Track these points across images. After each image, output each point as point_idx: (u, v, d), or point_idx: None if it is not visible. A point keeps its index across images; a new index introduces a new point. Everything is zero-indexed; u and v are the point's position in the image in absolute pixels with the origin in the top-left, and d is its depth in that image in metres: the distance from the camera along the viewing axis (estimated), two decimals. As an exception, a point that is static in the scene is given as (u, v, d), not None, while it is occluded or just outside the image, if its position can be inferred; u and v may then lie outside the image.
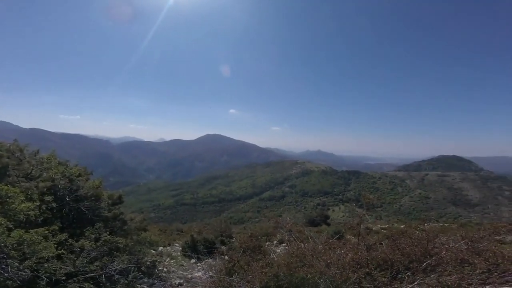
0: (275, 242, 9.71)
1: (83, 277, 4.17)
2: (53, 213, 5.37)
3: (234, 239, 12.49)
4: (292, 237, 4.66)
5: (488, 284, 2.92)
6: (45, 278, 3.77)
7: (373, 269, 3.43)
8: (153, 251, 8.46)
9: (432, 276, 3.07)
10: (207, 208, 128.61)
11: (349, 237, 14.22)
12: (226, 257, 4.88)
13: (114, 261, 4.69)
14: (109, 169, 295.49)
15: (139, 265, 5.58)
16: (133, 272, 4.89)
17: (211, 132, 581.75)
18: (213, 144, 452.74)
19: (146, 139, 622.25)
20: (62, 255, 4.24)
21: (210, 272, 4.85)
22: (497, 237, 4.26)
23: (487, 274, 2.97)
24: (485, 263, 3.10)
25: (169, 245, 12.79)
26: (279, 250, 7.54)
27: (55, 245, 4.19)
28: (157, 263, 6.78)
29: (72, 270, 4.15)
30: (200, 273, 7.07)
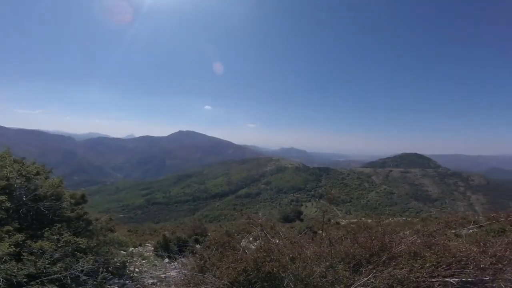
0: (250, 238, 9.80)
1: (46, 279, 4.07)
2: (9, 213, 5.12)
3: (208, 237, 12.39)
4: (264, 233, 4.76)
5: (434, 277, 3.06)
6: (1, 280, 3.69)
7: (337, 262, 3.56)
8: (123, 252, 8.33)
9: (387, 269, 3.20)
10: (180, 207, 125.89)
11: (319, 232, 14.70)
12: (198, 255, 4.92)
13: (78, 262, 4.56)
14: (72, 168, 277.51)
15: (107, 266, 5.44)
16: (102, 273, 4.77)
17: (184, 129, 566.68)
18: (186, 141, 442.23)
19: (113, 136, 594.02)
20: (22, 257, 4.14)
21: (183, 271, 4.78)
22: (453, 231, 4.43)
23: (433, 267, 3.12)
24: (435, 256, 3.26)
25: (140, 245, 12.55)
26: (253, 247, 7.62)
27: (13, 247, 4.07)
28: (127, 263, 6.62)
29: (34, 271, 4.06)
30: (175, 272, 6.95)
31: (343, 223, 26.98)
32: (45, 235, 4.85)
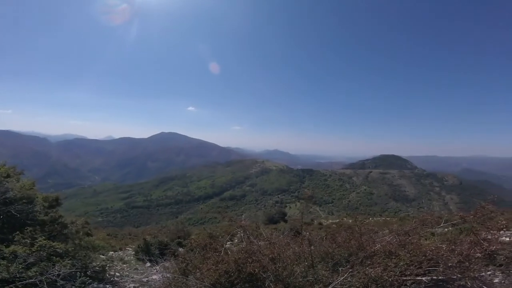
0: (236, 240, 9.81)
1: (21, 284, 3.96)
2: (-23, 217, 4.83)
3: (190, 240, 12.28)
4: (246, 234, 4.83)
5: (407, 276, 3.14)
6: None
7: (317, 262, 3.66)
8: (102, 256, 8.19)
9: (361, 268, 3.27)
10: (162, 211, 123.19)
11: (308, 232, 14.87)
12: (180, 258, 4.93)
13: (54, 267, 4.43)
14: (46, 170, 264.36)
15: (85, 270, 5.30)
16: (80, 277, 4.63)
17: (166, 130, 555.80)
18: (168, 143, 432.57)
19: (90, 137, 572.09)
20: None
21: (167, 274, 4.71)
22: (428, 230, 4.52)
23: (406, 266, 3.21)
24: (408, 255, 3.37)
25: (121, 249, 12.34)
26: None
27: None
28: (107, 267, 6.45)
29: (7, 276, 3.95)
30: (157, 276, 6.85)
31: (325, 223, 27.43)
32: (15, 239, 4.70)
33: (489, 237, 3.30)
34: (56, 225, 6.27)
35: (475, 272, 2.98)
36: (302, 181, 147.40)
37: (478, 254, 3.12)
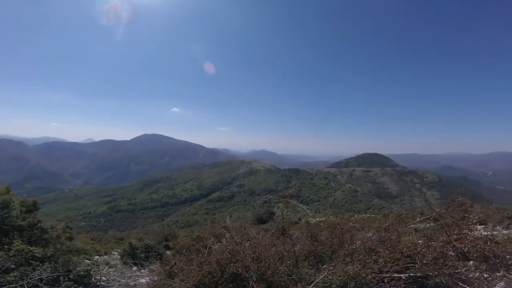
0: (224, 241, 9.91)
1: None
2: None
3: (173, 242, 12.32)
4: (231, 235, 4.87)
5: (384, 273, 3.17)
6: None
7: (302, 260, 3.71)
8: (87, 261, 8.09)
9: (343, 266, 3.31)
10: (148, 214, 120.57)
11: (292, 232, 15.02)
12: (164, 260, 4.97)
13: (35, 271, 4.37)
14: (24, 174, 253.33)
15: (68, 274, 5.16)
16: (64, 282, 4.55)
17: (149, 132, 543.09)
18: (152, 145, 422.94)
19: (70, 140, 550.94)
20: None
21: (155, 277, 4.65)
22: (411, 226, 4.61)
23: (384, 263, 3.26)
24: (387, 252, 3.42)
25: (106, 254, 12.29)
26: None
27: None
28: (92, 272, 6.32)
29: None
30: (144, 279, 6.76)
31: (313, 221, 27.81)
32: None
33: (460, 235, 3.35)
34: (35, 230, 6.13)
35: (450, 269, 3.02)
36: (289, 181, 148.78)
37: (451, 253, 3.16)
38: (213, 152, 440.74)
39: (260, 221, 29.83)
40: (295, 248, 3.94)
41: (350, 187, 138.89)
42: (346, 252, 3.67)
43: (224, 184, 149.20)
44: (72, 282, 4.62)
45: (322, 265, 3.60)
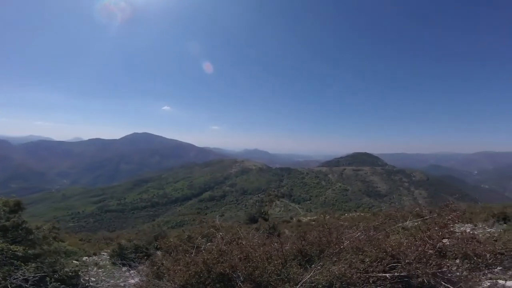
0: (223, 241, 10.06)
1: None
2: None
3: (159, 243, 12.44)
4: (219, 234, 4.89)
5: (370, 272, 3.16)
6: None
7: (291, 259, 3.75)
8: (75, 262, 7.99)
9: (329, 265, 3.34)
10: (138, 214, 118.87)
11: (283, 230, 15.26)
12: (151, 261, 4.98)
13: (18, 271, 4.33)
14: (8, 174, 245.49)
15: (53, 275, 5.16)
16: (51, 283, 4.51)
17: (139, 131, 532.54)
18: (141, 144, 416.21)
19: (56, 139, 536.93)
20: None
21: (142, 278, 4.74)
22: (399, 224, 4.62)
23: (369, 262, 3.29)
24: (374, 251, 3.43)
25: (95, 254, 12.24)
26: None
27: None
28: (80, 272, 6.31)
29: None
30: (134, 280, 6.84)
31: (304, 220, 28.18)
32: None
33: (441, 234, 3.33)
34: (20, 231, 6.10)
35: (433, 268, 3.02)
36: (281, 180, 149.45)
37: (430, 251, 3.17)
38: (204, 151, 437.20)
39: (253, 220, 30.01)
40: (284, 248, 3.97)
41: (340, 186, 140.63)
42: (334, 252, 3.68)
43: (216, 183, 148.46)
44: (59, 283, 4.59)
45: (311, 265, 3.61)
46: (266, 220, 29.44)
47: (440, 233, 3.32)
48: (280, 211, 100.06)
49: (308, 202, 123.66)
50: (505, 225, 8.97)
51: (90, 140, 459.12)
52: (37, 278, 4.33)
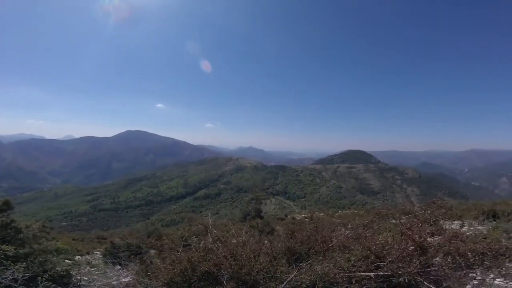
0: (210, 240, 10.12)
1: None
2: None
3: (146, 242, 12.53)
4: (208, 233, 4.88)
5: (355, 271, 3.14)
6: None
7: (281, 258, 3.75)
8: (67, 261, 7.97)
9: (316, 264, 3.34)
10: (132, 213, 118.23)
11: (278, 227, 15.35)
12: (139, 259, 4.97)
13: (7, 271, 4.29)
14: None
15: (43, 274, 5.13)
16: (42, 282, 4.46)
17: (133, 128, 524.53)
18: (135, 142, 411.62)
19: (48, 137, 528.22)
20: None
21: (132, 276, 4.76)
22: (393, 221, 4.56)
23: (353, 261, 3.28)
24: (360, 249, 3.41)
25: (88, 253, 12.25)
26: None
27: None
28: (71, 271, 6.35)
29: None
30: (126, 279, 6.84)
31: (298, 218, 28.34)
32: None
33: (417, 231, 3.32)
34: (8, 230, 6.05)
35: (415, 267, 3.00)
36: (276, 177, 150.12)
37: (412, 247, 3.16)
38: (199, 149, 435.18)
39: (248, 218, 30.11)
40: (274, 245, 3.98)
41: (334, 183, 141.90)
42: (321, 250, 3.68)
43: (210, 181, 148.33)
44: (50, 282, 4.54)
45: (299, 263, 3.60)
46: (261, 218, 29.64)
47: (423, 230, 3.30)
48: (275, 208, 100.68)
49: (303, 199, 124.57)
50: (494, 222, 9.20)
51: (82, 138, 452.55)
52: (26, 277, 4.30)
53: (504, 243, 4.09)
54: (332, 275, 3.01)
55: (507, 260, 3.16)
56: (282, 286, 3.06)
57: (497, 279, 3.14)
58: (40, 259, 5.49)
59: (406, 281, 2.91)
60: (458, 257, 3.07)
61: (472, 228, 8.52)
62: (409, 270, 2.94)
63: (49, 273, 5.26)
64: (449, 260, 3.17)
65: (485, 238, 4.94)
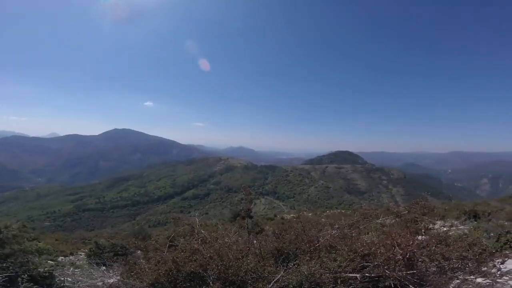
0: (200, 240, 10.10)
1: None
2: None
3: (128, 242, 12.39)
4: (194, 233, 4.82)
5: (339, 272, 3.13)
6: None
7: (269, 258, 3.73)
8: (50, 262, 7.86)
9: (303, 264, 3.32)
10: (118, 213, 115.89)
11: (267, 227, 15.40)
12: (124, 260, 4.88)
13: None
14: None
15: (24, 274, 4.98)
16: (23, 283, 4.34)
17: (120, 126, 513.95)
18: (122, 140, 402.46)
19: (31, 134, 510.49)
20: None
21: (117, 277, 4.69)
22: (378, 220, 4.62)
23: (339, 262, 3.27)
24: (346, 249, 3.39)
25: (72, 254, 12.15)
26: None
27: None
28: (55, 272, 6.15)
29: None
30: (112, 280, 6.74)
31: (287, 217, 28.54)
32: None
33: (405, 240, 3.30)
34: None
35: (401, 270, 3.00)
36: (266, 177, 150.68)
37: (399, 256, 3.13)
38: (188, 148, 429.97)
39: (237, 218, 30.16)
40: (262, 245, 3.95)
41: (323, 183, 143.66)
42: (308, 250, 3.67)
43: (200, 181, 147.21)
44: (32, 284, 4.45)
45: (287, 263, 3.57)
46: (251, 218, 29.64)
47: (411, 238, 3.31)
48: (264, 208, 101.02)
49: (292, 199, 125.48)
50: (475, 222, 9.55)
51: (67, 136, 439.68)
52: (6, 279, 4.17)
53: (484, 242, 4.25)
54: (318, 276, 3.01)
55: (489, 261, 3.21)
56: (269, 286, 3.04)
57: (478, 279, 3.20)
58: (21, 259, 5.34)
59: (392, 285, 2.94)
60: (443, 261, 3.09)
61: (454, 228, 8.85)
62: (394, 274, 2.95)
63: (31, 274, 5.12)
64: (434, 264, 3.18)
65: (467, 237, 5.09)
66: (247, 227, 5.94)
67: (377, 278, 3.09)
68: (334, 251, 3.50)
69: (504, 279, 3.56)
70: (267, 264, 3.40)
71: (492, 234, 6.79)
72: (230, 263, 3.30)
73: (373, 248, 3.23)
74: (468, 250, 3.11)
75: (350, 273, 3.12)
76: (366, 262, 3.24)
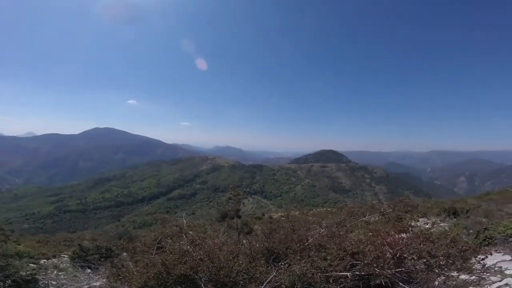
0: (186, 241, 10.06)
1: None
2: None
3: (116, 244, 12.20)
4: (185, 235, 4.74)
5: (330, 271, 3.14)
6: None
7: (260, 258, 3.70)
8: (32, 265, 7.63)
9: (295, 264, 3.32)
10: (101, 214, 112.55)
11: (256, 227, 15.49)
12: (110, 263, 4.76)
13: None
14: None
15: (6, 280, 4.86)
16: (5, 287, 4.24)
17: (101, 125, 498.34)
18: (103, 140, 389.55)
19: (7, 133, 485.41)
20: None
21: (103, 280, 4.59)
22: (363, 218, 4.64)
23: (329, 261, 3.25)
24: (335, 248, 3.40)
25: (54, 257, 11.79)
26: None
27: None
28: (38, 276, 6.04)
29: None
30: (98, 283, 6.61)
31: (275, 216, 28.73)
32: None
33: (394, 238, 3.34)
34: None
35: (390, 268, 3.03)
36: (253, 177, 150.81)
37: (388, 255, 3.16)
38: (173, 148, 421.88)
39: (226, 218, 30.07)
40: (252, 245, 3.92)
41: (309, 182, 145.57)
42: (298, 249, 3.66)
43: (185, 181, 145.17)
44: None
45: (278, 262, 3.56)
46: (239, 217, 29.58)
47: (397, 232, 3.38)
48: (252, 207, 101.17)
49: (279, 198, 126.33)
50: (455, 219, 10.01)
51: (45, 135, 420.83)
52: None
53: (464, 238, 4.46)
54: (310, 275, 3.02)
55: (473, 258, 3.30)
56: (262, 287, 3.02)
57: (461, 276, 3.33)
58: (1, 263, 5.16)
59: (383, 283, 2.98)
60: (430, 259, 3.13)
61: (435, 225, 9.24)
62: (384, 272, 2.99)
63: (12, 278, 4.94)
64: (421, 261, 3.23)
65: (447, 234, 5.32)
66: (237, 227, 5.89)
67: (367, 276, 3.13)
68: (323, 250, 3.52)
69: (486, 274, 3.73)
70: (258, 265, 3.36)
71: (471, 231, 7.14)
72: (221, 265, 3.25)
73: (361, 247, 3.26)
74: (453, 247, 3.16)
75: (340, 271, 3.13)
76: (356, 261, 3.27)
